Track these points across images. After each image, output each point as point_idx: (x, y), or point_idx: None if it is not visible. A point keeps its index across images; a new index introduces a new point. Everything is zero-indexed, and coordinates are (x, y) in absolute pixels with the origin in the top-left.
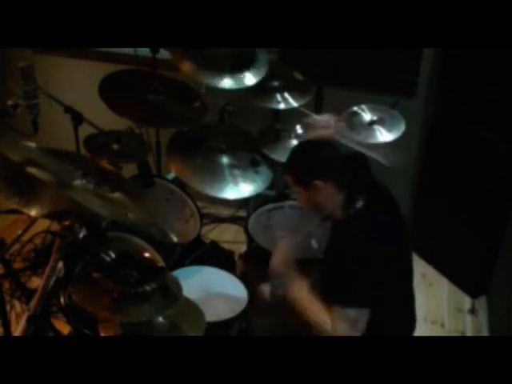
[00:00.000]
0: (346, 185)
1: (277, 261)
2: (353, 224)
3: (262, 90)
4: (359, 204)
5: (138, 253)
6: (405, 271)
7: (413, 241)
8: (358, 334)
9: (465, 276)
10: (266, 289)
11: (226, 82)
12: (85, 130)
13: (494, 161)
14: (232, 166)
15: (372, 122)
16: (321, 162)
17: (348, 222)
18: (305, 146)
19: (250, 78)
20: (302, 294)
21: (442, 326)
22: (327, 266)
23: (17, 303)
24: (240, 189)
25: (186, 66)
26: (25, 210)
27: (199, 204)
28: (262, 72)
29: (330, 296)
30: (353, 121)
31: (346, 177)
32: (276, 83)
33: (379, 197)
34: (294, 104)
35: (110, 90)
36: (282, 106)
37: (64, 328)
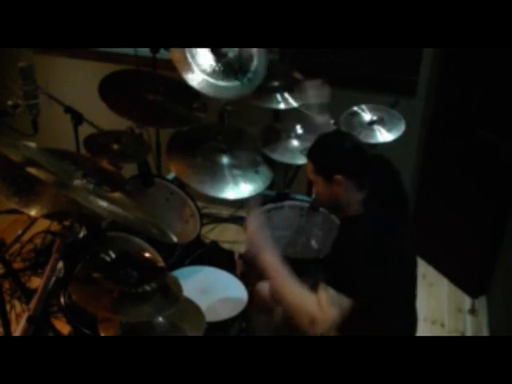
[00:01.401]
0: (367, 185)
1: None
2: (362, 223)
3: (262, 90)
4: (372, 204)
5: (138, 253)
6: (408, 274)
7: (413, 241)
8: (336, 324)
9: (465, 276)
10: (264, 287)
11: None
12: (85, 130)
13: (494, 161)
14: (232, 166)
15: (372, 122)
16: (348, 158)
17: (357, 220)
18: (334, 137)
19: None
20: (282, 272)
21: (442, 326)
22: (334, 262)
23: (17, 303)
24: (240, 189)
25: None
26: (25, 210)
27: (199, 204)
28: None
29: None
30: (353, 121)
31: (368, 178)
32: (276, 83)
33: (392, 198)
34: (294, 104)
35: (109, 90)
36: (281, 105)
37: (64, 328)
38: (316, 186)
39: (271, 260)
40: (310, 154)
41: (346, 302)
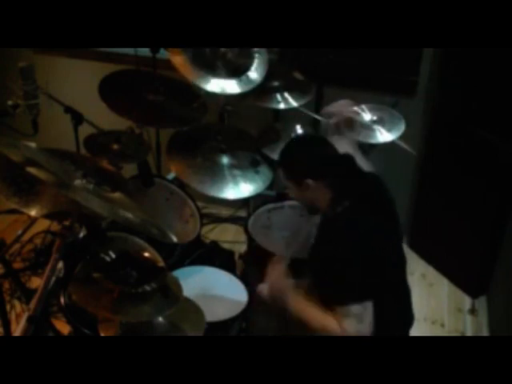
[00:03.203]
0: (336, 184)
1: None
2: (339, 222)
3: (262, 90)
4: (347, 202)
5: (138, 253)
6: (394, 269)
7: (413, 241)
8: (367, 328)
9: (465, 276)
10: (264, 289)
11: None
12: (85, 130)
13: (494, 161)
14: (232, 166)
15: (372, 122)
16: (313, 161)
17: (334, 219)
18: (298, 143)
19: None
20: (301, 304)
21: (442, 326)
22: (314, 263)
23: (17, 303)
24: (240, 189)
25: (186, 70)
26: (25, 210)
27: (199, 204)
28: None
29: (326, 295)
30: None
31: (336, 177)
32: (276, 83)
33: (369, 196)
34: (294, 104)
35: (109, 90)
36: (281, 105)
37: (64, 328)
38: (290, 191)
39: (292, 300)
40: (279, 161)
41: (354, 309)
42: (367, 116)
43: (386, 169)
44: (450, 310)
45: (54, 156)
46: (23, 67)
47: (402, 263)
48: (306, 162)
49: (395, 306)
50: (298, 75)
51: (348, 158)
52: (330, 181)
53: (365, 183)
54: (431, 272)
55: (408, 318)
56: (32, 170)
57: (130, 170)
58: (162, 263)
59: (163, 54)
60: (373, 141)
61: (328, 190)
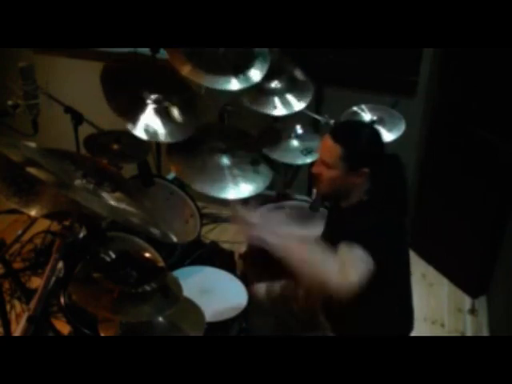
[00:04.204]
0: (376, 179)
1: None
2: (356, 214)
3: (260, 92)
4: (368, 196)
5: (138, 253)
6: (401, 270)
7: (413, 241)
8: (356, 283)
9: (465, 276)
10: (261, 288)
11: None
12: (85, 130)
13: (494, 161)
14: (232, 166)
15: (372, 122)
16: (376, 153)
17: (352, 210)
18: (367, 130)
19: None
20: (302, 246)
21: (442, 326)
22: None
23: (17, 303)
24: (240, 189)
25: (186, 69)
26: (25, 210)
27: (199, 204)
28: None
29: None
30: None
31: (382, 172)
32: (276, 85)
33: (390, 195)
34: (294, 107)
35: (111, 83)
36: (281, 111)
37: (64, 328)
38: (329, 172)
39: (279, 241)
40: (343, 140)
41: (366, 264)
42: (367, 116)
43: None
44: (450, 310)
45: (54, 156)
46: (23, 67)
47: (407, 267)
48: (373, 152)
49: (397, 309)
50: (298, 74)
51: (392, 155)
52: (373, 173)
53: (391, 182)
54: (431, 272)
55: (409, 323)
56: (32, 170)
57: (130, 170)
58: (162, 263)
59: (163, 54)
60: None
61: (368, 181)
